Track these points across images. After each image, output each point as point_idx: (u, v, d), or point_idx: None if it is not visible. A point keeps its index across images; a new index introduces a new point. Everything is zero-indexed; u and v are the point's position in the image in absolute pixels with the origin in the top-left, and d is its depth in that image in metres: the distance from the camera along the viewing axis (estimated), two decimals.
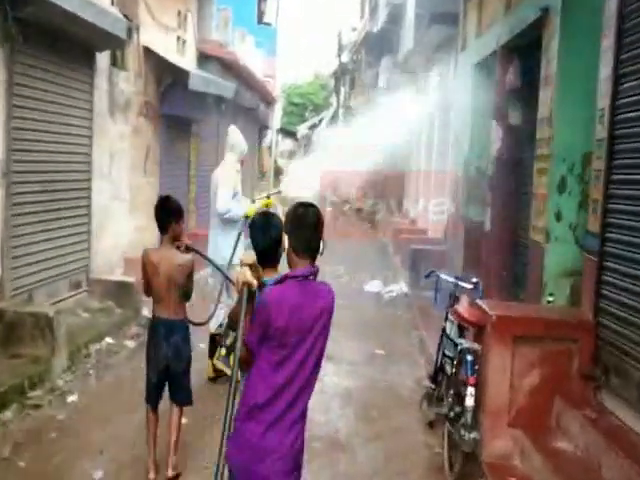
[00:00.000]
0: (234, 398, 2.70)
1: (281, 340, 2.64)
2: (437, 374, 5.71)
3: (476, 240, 9.57)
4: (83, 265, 7.97)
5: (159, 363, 4.35)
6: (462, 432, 4.40)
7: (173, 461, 4.36)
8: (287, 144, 44.52)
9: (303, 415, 2.77)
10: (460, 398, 4.79)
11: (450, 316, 5.42)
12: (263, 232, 3.37)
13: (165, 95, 9.51)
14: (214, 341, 6.12)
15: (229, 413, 2.63)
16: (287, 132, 40.40)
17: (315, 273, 2.76)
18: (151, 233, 10.08)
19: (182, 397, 4.46)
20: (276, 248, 3.32)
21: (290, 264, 2.79)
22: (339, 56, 34.33)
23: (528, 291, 6.50)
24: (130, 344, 7.45)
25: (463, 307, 5.02)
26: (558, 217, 6.04)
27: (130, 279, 8.29)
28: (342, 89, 36.59)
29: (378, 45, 25.87)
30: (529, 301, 6.31)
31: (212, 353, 6.14)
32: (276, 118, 20.89)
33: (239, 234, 5.72)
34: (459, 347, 4.76)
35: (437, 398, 5.43)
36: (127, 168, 8.75)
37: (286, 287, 2.70)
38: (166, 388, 4.52)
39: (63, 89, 7.15)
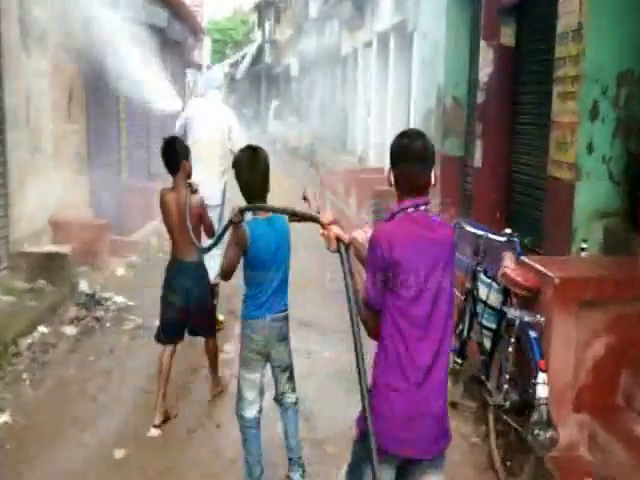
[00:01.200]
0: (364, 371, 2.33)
1: (406, 280, 2.36)
2: (464, 347, 4.73)
3: (454, 178, 8.60)
4: (1, 236, 6.45)
5: (177, 304, 4.36)
6: (535, 431, 3.42)
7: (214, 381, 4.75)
8: None
9: (446, 369, 2.47)
10: (517, 384, 3.81)
11: (482, 276, 4.40)
12: (250, 167, 3.36)
13: (87, 24, 7.81)
14: (212, 292, 5.57)
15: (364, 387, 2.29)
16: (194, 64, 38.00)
17: (426, 204, 2.49)
18: (81, 190, 8.61)
19: (205, 331, 4.58)
20: (265, 185, 3.39)
21: (398, 198, 2.50)
22: None
23: (550, 237, 5.54)
24: (70, 331, 6.10)
25: (511, 267, 3.96)
26: (590, 149, 5.05)
27: (62, 249, 6.86)
28: (267, 23, 34.42)
29: None
30: (552, 250, 5.37)
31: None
32: (205, 54, 18.99)
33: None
34: (515, 320, 3.73)
35: (472, 378, 4.46)
36: (48, 114, 7.15)
37: (395, 222, 2.47)
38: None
39: None
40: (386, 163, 8.74)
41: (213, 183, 5.92)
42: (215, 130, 5.95)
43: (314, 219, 2.58)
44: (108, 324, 6.42)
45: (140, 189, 9.93)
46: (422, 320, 2.38)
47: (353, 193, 12.07)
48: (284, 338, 3.57)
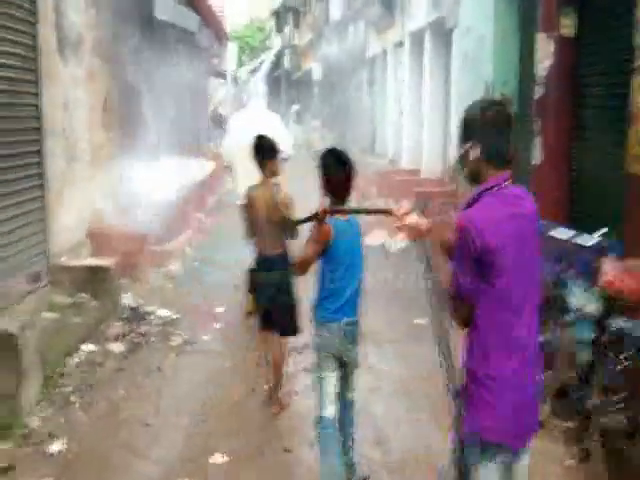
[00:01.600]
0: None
1: (503, 266, 2.19)
2: (547, 357, 4.33)
3: None
4: (41, 251, 6.15)
5: (264, 298, 4.52)
6: None
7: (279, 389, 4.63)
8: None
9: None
10: (627, 403, 3.42)
11: (573, 283, 4.02)
12: (338, 163, 3.39)
13: (121, 28, 7.55)
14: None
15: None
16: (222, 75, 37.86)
17: (508, 179, 2.32)
18: (117, 199, 8.34)
19: (287, 327, 4.55)
20: (350, 186, 3.39)
21: (479, 177, 2.32)
22: None
23: (631, 238, 5.13)
24: (116, 348, 5.80)
25: (613, 273, 3.58)
26: None
27: (104, 262, 6.56)
28: (286, 28, 34.20)
29: None
30: (634, 252, 4.98)
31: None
32: (230, 61, 18.71)
33: None
34: (623, 332, 3.35)
35: (560, 393, 4.07)
36: (84, 122, 6.87)
37: (483, 205, 2.27)
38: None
39: None
40: (423, 164, 8.18)
41: None
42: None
43: (388, 212, 2.56)
44: (154, 340, 6.11)
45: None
46: (520, 303, 2.26)
47: (389, 195, 11.70)
48: (356, 341, 3.58)
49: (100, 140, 7.46)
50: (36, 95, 5.60)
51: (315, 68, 24.36)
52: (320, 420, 3.47)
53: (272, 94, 44.29)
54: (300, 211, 4.03)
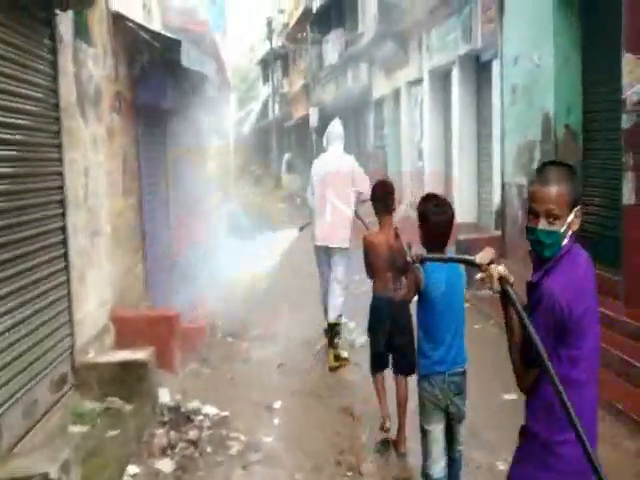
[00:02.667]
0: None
1: (583, 334, 2.26)
2: None
3: None
4: (66, 348, 5.05)
5: (383, 336, 4.61)
6: None
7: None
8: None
9: None
10: None
11: None
12: (437, 215, 3.44)
13: (139, 80, 6.59)
14: (333, 330, 6.28)
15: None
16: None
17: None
18: (137, 273, 7.30)
19: (404, 366, 4.52)
20: (449, 233, 3.47)
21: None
22: (269, 40, 31.42)
23: None
24: (166, 467, 4.65)
25: None
26: None
27: (138, 355, 5.46)
28: (274, 76, 33.74)
29: (324, 19, 23.33)
30: None
31: (331, 342, 6.27)
32: (232, 109, 17.85)
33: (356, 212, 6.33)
34: None
35: None
36: (104, 188, 5.84)
37: (563, 270, 2.26)
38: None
39: (16, 69, 4.19)
40: (457, 209, 7.17)
41: (344, 228, 6.27)
42: (342, 178, 6.26)
43: (471, 262, 2.40)
44: (209, 449, 4.97)
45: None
46: (591, 366, 2.33)
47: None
48: (461, 391, 3.49)
49: (120, 208, 6.43)
50: (60, 161, 4.55)
51: (312, 114, 23.65)
52: (426, 477, 3.43)
53: (260, 144, 43.75)
54: None
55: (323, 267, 6.50)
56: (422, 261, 3.18)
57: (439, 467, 3.38)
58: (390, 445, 4.66)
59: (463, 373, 3.47)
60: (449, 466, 3.46)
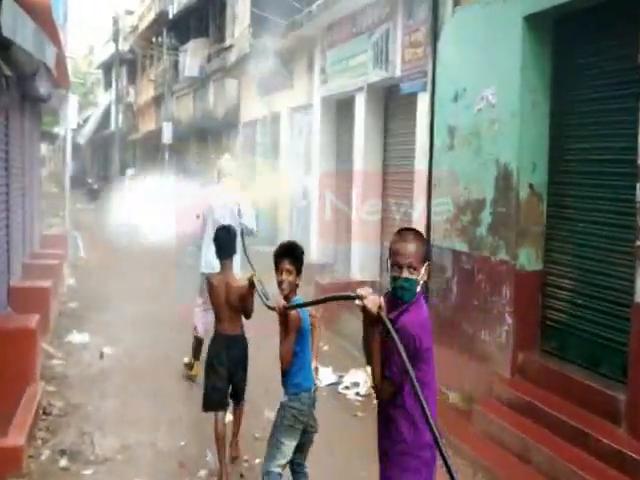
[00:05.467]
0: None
1: (429, 358, 2.96)
2: None
3: (532, 303, 5.81)
4: None
5: (223, 372, 4.75)
6: None
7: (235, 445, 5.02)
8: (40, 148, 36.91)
9: None
10: None
11: None
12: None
13: None
14: (200, 343, 6.58)
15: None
16: (43, 133, 33.08)
17: None
18: None
19: (240, 397, 4.94)
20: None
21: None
22: (115, 43, 28.22)
23: None
24: None
25: None
26: None
27: None
28: (118, 83, 30.47)
29: (183, 26, 20.96)
30: None
31: (196, 353, 6.67)
32: (72, 116, 14.84)
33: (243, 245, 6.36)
34: None
35: None
36: None
37: (417, 309, 2.96)
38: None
39: None
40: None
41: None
42: (230, 213, 6.51)
43: (354, 296, 2.83)
44: None
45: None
46: (433, 389, 3.03)
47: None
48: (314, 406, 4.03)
49: None
50: None
51: (166, 130, 21.07)
52: (268, 474, 3.86)
53: (99, 156, 39.88)
54: None
55: None
56: (303, 306, 3.79)
57: (281, 467, 3.86)
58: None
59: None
60: (295, 472, 4.05)
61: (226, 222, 5.87)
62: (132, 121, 30.16)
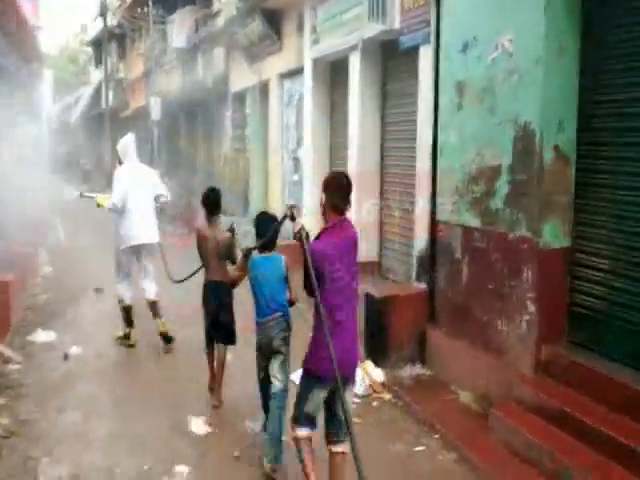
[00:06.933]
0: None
1: (331, 268, 3.65)
2: None
3: (559, 284, 4.91)
4: None
5: (213, 310, 5.48)
6: None
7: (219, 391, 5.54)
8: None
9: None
10: None
11: None
12: (269, 225, 4.47)
13: None
14: (130, 310, 7.00)
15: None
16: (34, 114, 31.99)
17: (343, 220, 3.77)
18: None
19: (227, 338, 5.51)
20: (276, 237, 4.51)
21: (326, 217, 3.77)
22: (103, 18, 27.02)
23: None
24: None
25: None
26: None
27: None
28: (108, 60, 29.29)
29: None
30: None
31: (129, 322, 6.97)
32: (47, 92, 13.84)
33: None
34: None
35: None
36: None
37: (326, 235, 3.73)
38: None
39: None
40: None
41: (154, 228, 6.94)
42: (146, 188, 6.84)
43: (289, 217, 3.85)
44: None
45: None
46: (343, 290, 3.76)
47: None
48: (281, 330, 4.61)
49: None
50: None
51: (154, 105, 20.03)
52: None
53: (91, 135, 38.69)
54: None
55: (131, 264, 7.06)
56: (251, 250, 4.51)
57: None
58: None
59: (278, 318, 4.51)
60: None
61: (142, 196, 6.71)
62: (122, 98, 29.06)
